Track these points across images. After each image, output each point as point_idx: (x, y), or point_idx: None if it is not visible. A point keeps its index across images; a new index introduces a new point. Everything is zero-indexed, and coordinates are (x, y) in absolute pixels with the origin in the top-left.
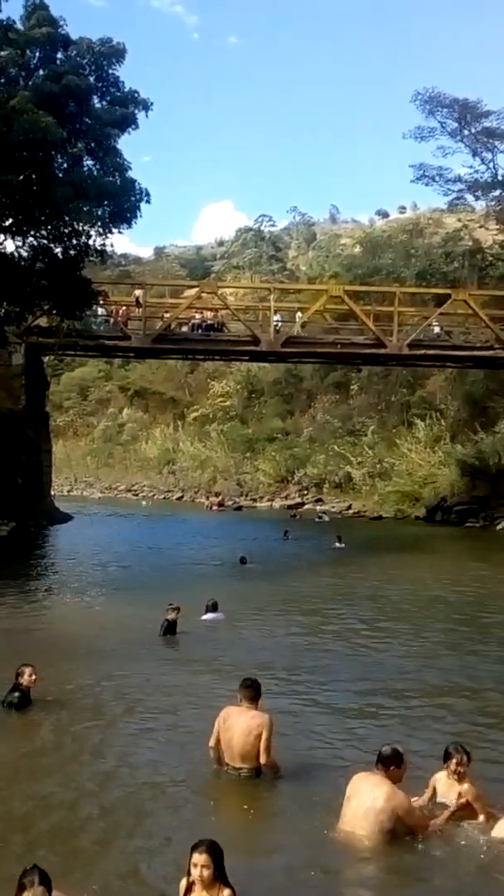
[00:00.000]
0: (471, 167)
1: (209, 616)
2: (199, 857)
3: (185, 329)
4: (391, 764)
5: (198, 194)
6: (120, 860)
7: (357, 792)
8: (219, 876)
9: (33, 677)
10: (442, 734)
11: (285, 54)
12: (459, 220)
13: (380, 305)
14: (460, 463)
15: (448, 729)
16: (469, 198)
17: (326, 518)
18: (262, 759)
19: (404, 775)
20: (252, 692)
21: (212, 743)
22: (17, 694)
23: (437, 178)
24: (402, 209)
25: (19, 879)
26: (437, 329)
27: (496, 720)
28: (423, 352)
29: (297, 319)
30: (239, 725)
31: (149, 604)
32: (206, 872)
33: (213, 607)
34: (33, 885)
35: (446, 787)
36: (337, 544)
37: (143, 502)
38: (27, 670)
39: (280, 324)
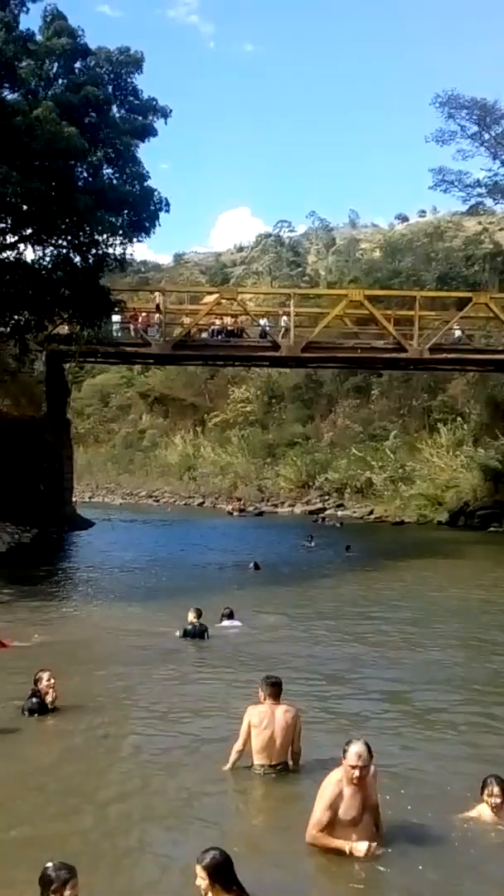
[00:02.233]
0: (490, 170)
1: (226, 623)
2: (197, 869)
3: (204, 335)
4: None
5: (215, 201)
6: (150, 864)
7: None
8: (223, 883)
9: (51, 681)
10: (462, 741)
11: (301, 61)
12: (480, 223)
13: (400, 310)
14: (483, 467)
15: (468, 738)
16: (489, 201)
17: (338, 524)
18: (297, 747)
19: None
20: (277, 689)
21: (239, 746)
22: (35, 700)
23: (456, 183)
24: (422, 213)
25: (48, 879)
26: (458, 333)
27: None
28: (444, 356)
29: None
30: (277, 722)
31: (167, 610)
32: (203, 883)
33: (230, 615)
34: (75, 884)
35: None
36: (347, 553)
37: (168, 508)
38: (45, 675)
39: (285, 327)
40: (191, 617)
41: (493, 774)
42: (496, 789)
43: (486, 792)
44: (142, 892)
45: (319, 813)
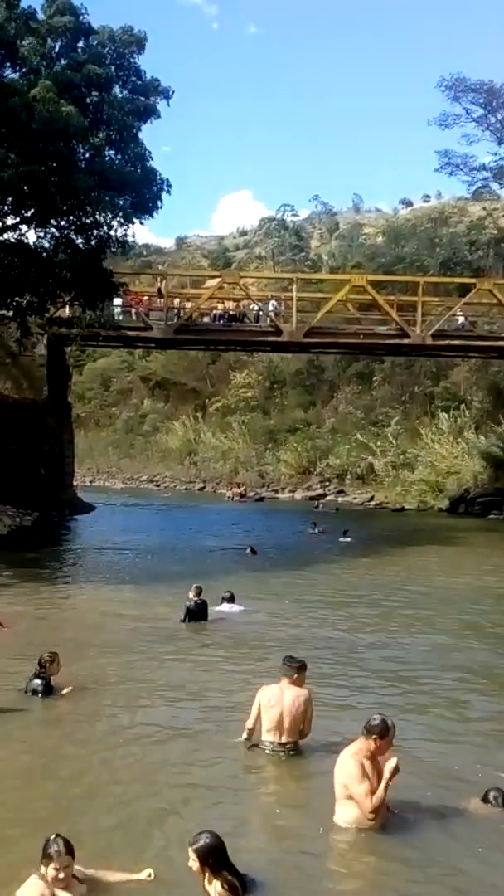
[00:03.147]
0: (496, 154)
1: (225, 607)
2: (189, 851)
3: (206, 319)
4: (375, 734)
5: (216, 184)
6: (159, 842)
7: None
8: (213, 867)
9: (57, 665)
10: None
11: (305, 43)
12: (484, 208)
13: (403, 295)
14: (484, 454)
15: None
16: (494, 186)
17: (334, 510)
18: (307, 728)
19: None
20: (291, 670)
21: (250, 724)
22: (39, 681)
23: (461, 167)
24: (427, 198)
25: (44, 849)
26: (461, 319)
27: None
28: (446, 342)
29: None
30: (286, 701)
31: (167, 592)
32: (194, 865)
33: (230, 599)
34: (60, 854)
35: None
36: (342, 539)
37: (168, 493)
38: (48, 657)
39: (274, 311)
40: (191, 595)
41: (495, 787)
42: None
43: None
44: (147, 867)
45: (363, 789)
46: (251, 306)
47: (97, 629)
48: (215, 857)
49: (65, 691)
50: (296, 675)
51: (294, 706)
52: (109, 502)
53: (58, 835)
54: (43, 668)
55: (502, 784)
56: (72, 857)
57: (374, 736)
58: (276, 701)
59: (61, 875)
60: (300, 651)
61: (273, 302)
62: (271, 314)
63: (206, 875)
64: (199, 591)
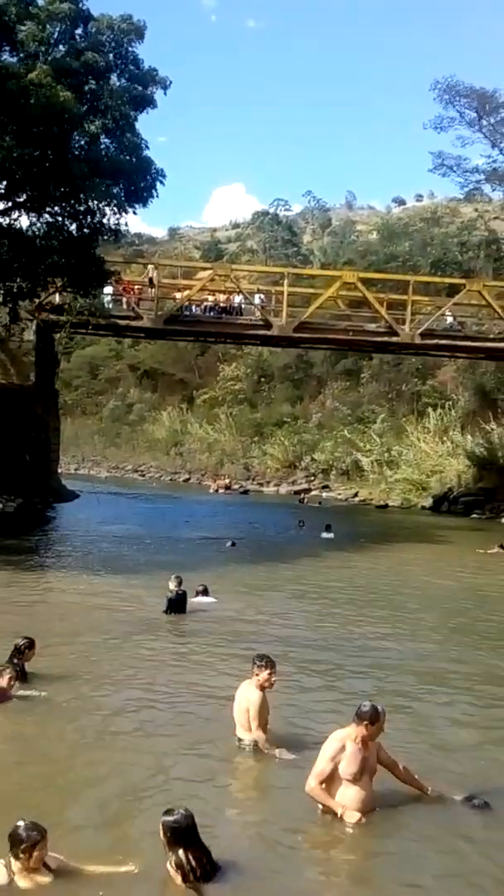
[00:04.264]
0: (489, 157)
1: (199, 599)
2: (160, 822)
3: (196, 311)
4: (366, 720)
5: (209, 176)
6: (135, 834)
7: None
8: (175, 843)
9: (33, 651)
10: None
11: (303, 39)
12: (476, 209)
13: (394, 293)
14: (469, 454)
15: (444, 710)
16: (486, 188)
17: (318, 504)
18: (256, 729)
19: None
20: (255, 667)
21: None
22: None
23: (455, 168)
24: (419, 197)
25: (11, 835)
26: (449, 319)
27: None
28: (435, 342)
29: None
30: (237, 698)
31: (145, 583)
32: (162, 838)
33: (204, 591)
34: (28, 839)
35: None
36: (324, 534)
37: (153, 483)
38: (6, 673)
39: (262, 304)
40: (172, 585)
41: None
42: None
43: None
44: (115, 854)
45: (322, 764)
46: (235, 298)
47: (73, 618)
48: (175, 834)
49: (43, 694)
50: (255, 674)
51: (241, 704)
52: (93, 491)
53: (27, 821)
54: (20, 654)
55: (488, 781)
56: (36, 844)
57: (364, 722)
58: (235, 697)
59: (30, 860)
60: (268, 644)
61: (259, 295)
62: (256, 307)
63: (166, 849)
64: (179, 582)
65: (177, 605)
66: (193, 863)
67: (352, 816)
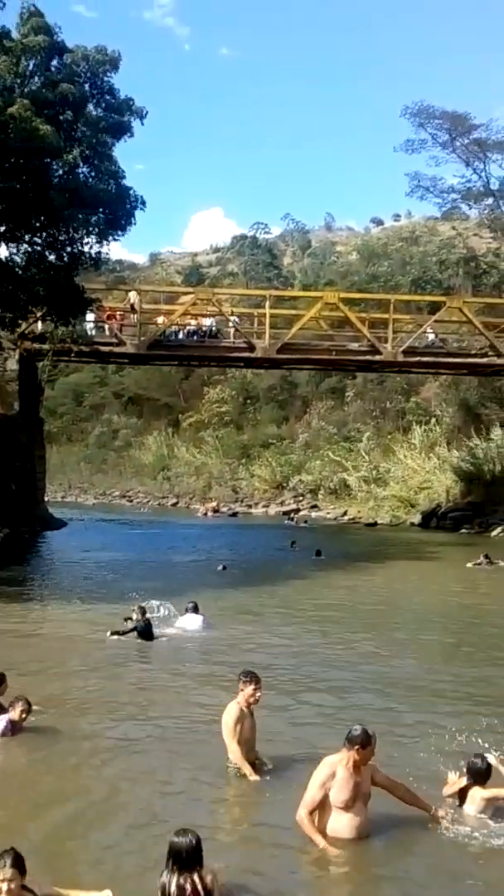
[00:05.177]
0: (463, 176)
1: (189, 617)
2: None
3: (181, 336)
4: (357, 744)
5: (188, 201)
6: (118, 860)
7: None
8: (175, 864)
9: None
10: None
11: (277, 66)
12: (454, 228)
13: (375, 312)
14: (456, 469)
15: (437, 729)
16: (463, 206)
17: (304, 523)
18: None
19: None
20: (239, 682)
21: None
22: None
23: (431, 189)
24: (397, 217)
25: None
26: (431, 336)
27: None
28: (417, 359)
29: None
30: (223, 718)
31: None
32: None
33: (194, 609)
34: (4, 866)
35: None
36: (315, 557)
37: (142, 508)
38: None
39: (234, 327)
40: (134, 616)
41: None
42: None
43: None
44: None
45: (312, 793)
46: (206, 321)
47: (61, 647)
48: (180, 860)
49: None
50: (241, 689)
51: (223, 722)
52: (81, 518)
53: (11, 848)
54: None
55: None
56: (19, 871)
57: (356, 746)
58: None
59: (8, 888)
60: (267, 666)
61: (233, 318)
62: (230, 329)
63: (169, 868)
64: (143, 612)
65: (145, 634)
66: (174, 889)
67: (334, 852)
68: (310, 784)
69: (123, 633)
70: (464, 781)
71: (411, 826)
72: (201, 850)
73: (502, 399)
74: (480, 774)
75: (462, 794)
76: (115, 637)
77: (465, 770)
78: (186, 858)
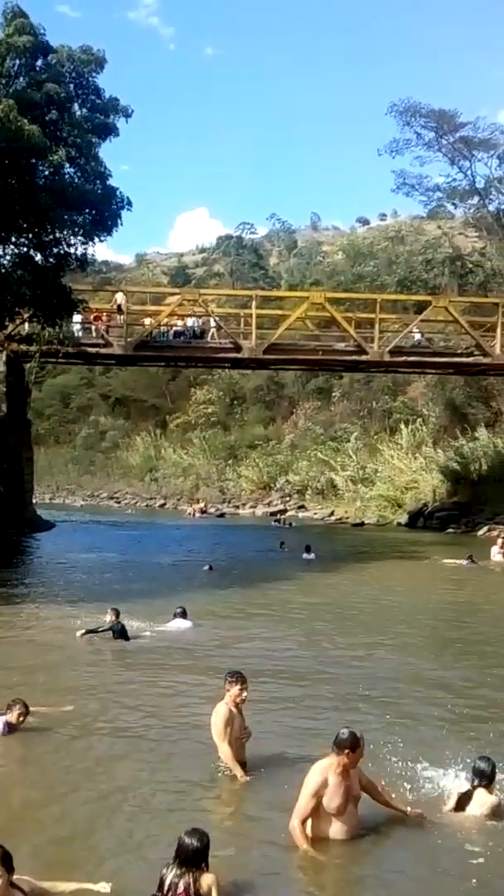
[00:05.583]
0: (448, 175)
1: (176, 622)
2: None
3: (169, 336)
4: (346, 748)
5: (173, 202)
6: (115, 855)
7: None
8: (181, 862)
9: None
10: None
11: (262, 66)
12: (439, 227)
13: (361, 312)
14: (442, 469)
15: (419, 732)
16: (448, 205)
17: (288, 524)
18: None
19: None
20: (225, 682)
21: None
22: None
23: (417, 187)
24: (383, 216)
25: None
26: (417, 336)
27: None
28: (403, 358)
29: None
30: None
31: (126, 609)
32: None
33: (182, 614)
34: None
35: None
36: (305, 555)
37: (130, 510)
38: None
39: (215, 326)
40: (108, 618)
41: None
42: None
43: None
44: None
45: (304, 801)
46: (189, 321)
47: (48, 649)
48: (186, 858)
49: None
50: (227, 689)
51: (212, 723)
52: (69, 520)
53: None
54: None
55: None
56: (6, 869)
57: (346, 750)
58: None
59: None
60: (254, 668)
61: (213, 318)
62: (213, 330)
63: (175, 864)
64: (116, 614)
65: (121, 634)
66: (168, 884)
67: (326, 856)
68: (301, 792)
69: (96, 632)
70: (463, 788)
71: (403, 825)
72: (206, 853)
73: (488, 398)
74: (486, 776)
75: (463, 798)
76: (88, 636)
77: (470, 772)
78: (187, 858)
